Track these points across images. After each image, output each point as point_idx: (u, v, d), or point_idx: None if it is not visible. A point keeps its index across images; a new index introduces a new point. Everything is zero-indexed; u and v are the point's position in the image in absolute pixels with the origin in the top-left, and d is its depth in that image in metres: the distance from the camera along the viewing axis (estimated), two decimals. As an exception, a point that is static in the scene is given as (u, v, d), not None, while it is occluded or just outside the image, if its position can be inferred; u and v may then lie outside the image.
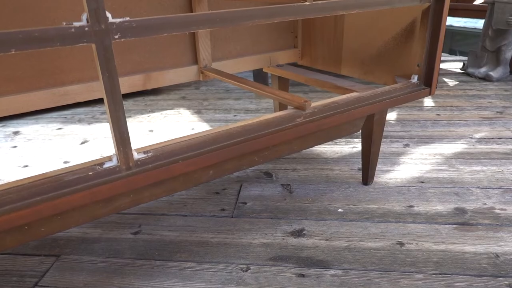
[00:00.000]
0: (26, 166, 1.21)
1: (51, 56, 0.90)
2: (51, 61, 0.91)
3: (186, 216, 0.90)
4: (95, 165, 0.55)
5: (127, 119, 1.57)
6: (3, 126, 1.59)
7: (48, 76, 0.91)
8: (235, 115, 1.58)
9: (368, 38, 1.03)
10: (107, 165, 0.55)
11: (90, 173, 0.54)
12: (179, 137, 0.64)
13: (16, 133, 1.51)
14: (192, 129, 1.45)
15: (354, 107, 0.80)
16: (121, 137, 0.54)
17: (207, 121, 1.53)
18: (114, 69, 0.50)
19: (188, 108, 1.70)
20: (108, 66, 0.50)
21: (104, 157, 0.58)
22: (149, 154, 0.58)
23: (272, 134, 0.69)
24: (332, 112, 0.77)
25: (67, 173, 0.54)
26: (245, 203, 0.94)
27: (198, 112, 1.64)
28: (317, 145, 0.84)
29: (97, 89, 0.95)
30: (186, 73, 1.10)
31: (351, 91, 0.94)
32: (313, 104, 0.76)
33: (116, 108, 0.52)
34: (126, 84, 1.00)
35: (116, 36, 0.49)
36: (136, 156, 0.57)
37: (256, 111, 1.62)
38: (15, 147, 1.37)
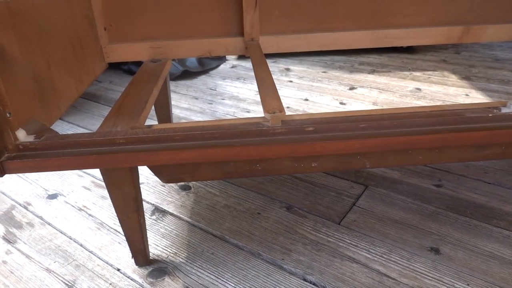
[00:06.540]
0: (307, 99, 1.35)
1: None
2: (381, 3, 0.93)
3: (489, 183, 0.84)
4: (490, 107, 0.54)
5: (387, 72, 1.55)
6: (274, 62, 1.81)
7: (372, 17, 0.95)
8: (516, 89, 1.37)
9: None
10: (504, 110, 0.53)
11: (489, 115, 0.53)
12: None
13: (287, 69, 1.69)
14: (467, 95, 1.33)
15: None
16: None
17: (481, 89, 1.37)
18: None
19: (453, 72, 1.56)
20: None
21: (497, 101, 0.56)
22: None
23: None
24: None
25: (464, 110, 0.54)
26: None
27: (466, 78, 1.49)
28: None
29: (418, 36, 0.94)
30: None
31: None
32: None
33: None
34: (444, 34, 0.96)
35: None
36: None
37: (543, 89, 1.37)
38: (290, 81, 1.54)
